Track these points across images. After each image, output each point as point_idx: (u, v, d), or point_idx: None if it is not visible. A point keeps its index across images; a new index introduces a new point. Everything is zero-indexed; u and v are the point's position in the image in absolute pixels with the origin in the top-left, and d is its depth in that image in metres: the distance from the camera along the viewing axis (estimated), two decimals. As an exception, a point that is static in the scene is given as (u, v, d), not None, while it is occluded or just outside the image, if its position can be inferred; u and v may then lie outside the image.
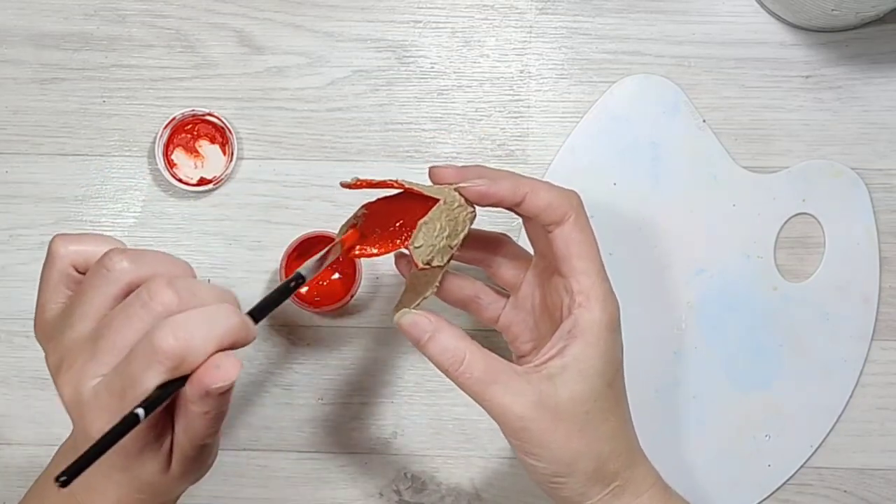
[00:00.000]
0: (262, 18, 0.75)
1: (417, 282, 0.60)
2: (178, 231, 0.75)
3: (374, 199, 0.59)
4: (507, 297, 0.63)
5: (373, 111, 0.75)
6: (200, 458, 0.53)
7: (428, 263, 0.56)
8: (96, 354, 0.49)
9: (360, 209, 0.59)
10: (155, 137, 0.73)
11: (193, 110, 0.73)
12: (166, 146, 0.74)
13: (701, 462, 0.73)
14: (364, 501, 0.74)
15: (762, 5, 0.76)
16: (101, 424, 0.48)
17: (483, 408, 0.56)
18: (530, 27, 0.76)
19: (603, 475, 0.57)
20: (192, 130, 0.74)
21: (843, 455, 0.74)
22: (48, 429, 0.74)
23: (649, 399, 0.73)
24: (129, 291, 0.50)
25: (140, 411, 0.47)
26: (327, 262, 0.56)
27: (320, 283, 0.73)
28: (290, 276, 0.54)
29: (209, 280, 0.74)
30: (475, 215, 0.58)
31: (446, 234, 0.56)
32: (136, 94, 0.75)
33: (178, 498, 0.57)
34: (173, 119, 0.73)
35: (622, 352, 0.59)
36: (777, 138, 0.75)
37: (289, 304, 0.72)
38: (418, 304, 0.58)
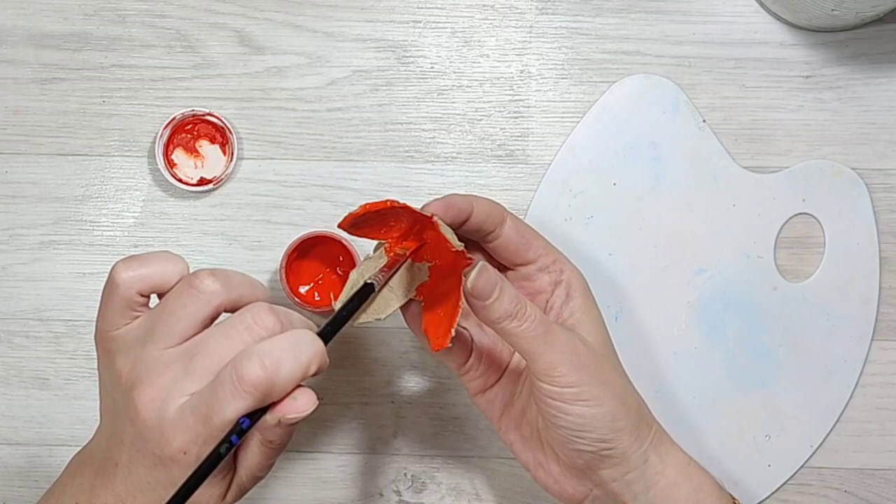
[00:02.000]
0: (262, 18, 0.75)
1: (436, 294, 0.59)
2: (178, 231, 0.75)
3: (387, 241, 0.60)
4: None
5: (373, 111, 0.75)
6: (250, 487, 0.54)
7: (462, 248, 0.56)
8: (190, 373, 0.49)
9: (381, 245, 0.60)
10: (155, 137, 0.73)
11: (193, 110, 0.73)
12: (166, 146, 0.74)
13: (701, 462, 0.73)
14: (364, 501, 0.74)
15: (762, 5, 0.76)
16: (180, 443, 0.49)
17: (538, 360, 0.56)
18: (530, 27, 0.76)
19: (645, 416, 0.59)
20: (192, 130, 0.74)
21: (843, 455, 0.74)
22: (48, 429, 0.74)
23: (649, 399, 0.73)
24: (217, 314, 0.51)
25: (234, 438, 0.48)
26: (396, 270, 0.58)
27: (318, 281, 0.73)
28: (357, 291, 0.55)
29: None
30: None
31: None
32: (136, 94, 0.75)
33: None
34: (173, 119, 0.73)
35: None
36: (777, 138, 0.75)
37: (288, 304, 0.72)
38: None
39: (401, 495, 0.74)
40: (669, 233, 0.74)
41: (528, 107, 0.75)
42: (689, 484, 0.60)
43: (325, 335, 0.53)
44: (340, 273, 0.73)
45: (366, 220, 0.58)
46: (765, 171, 0.75)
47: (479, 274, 0.55)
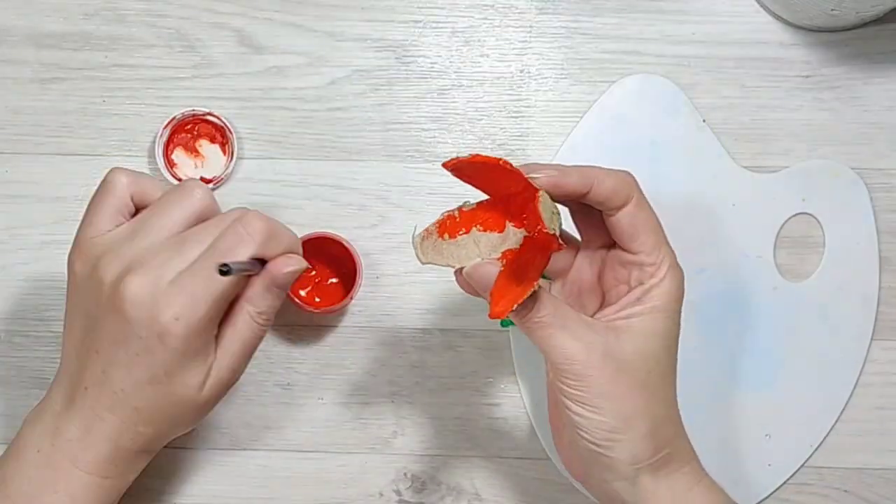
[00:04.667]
0: (262, 18, 0.75)
1: (519, 264, 0.57)
2: (178, 231, 0.74)
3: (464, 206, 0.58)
4: (551, 282, 0.64)
5: (373, 111, 0.75)
6: (226, 386, 0.59)
7: (554, 231, 0.54)
8: (181, 253, 0.54)
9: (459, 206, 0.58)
10: (155, 137, 0.73)
11: (193, 110, 0.73)
12: (166, 146, 0.74)
13: (701, 462, 0.73)
14: (364, 501, 0.74)
15: (762, 5, 0.76)
16: (174, 310, 0.53)
17: (548, 355, 0.56)
18: (530, 27, 0.76)
19: (656, 439, 0.57)
20: (192, 130, 0.74)
21: (843, 455, 0.74)
22: (48, 429, 0.74)
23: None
24: (202, 218, 0.57)
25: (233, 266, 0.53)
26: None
27: (317, 281, 0.73)
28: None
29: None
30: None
31: (556, 216, 0.55)
32: (136, 94, 0.75)
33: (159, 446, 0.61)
34: (173, 119, 0.73)
35: (680, 324, 0.59)
36: (777, 138, 0.75)
37: (288, 305, 0.72)
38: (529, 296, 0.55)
39: (401, 495, 0.74)
40: (669, 233, 0.74)
41: (528, 107, 0.75)
42: None
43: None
44: (341, 272, 0.73)
45: (473, 169, 0.56)
46: (765, 171, 0.75)
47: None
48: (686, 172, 0.74)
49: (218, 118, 0.73)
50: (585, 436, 0.57)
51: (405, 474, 0.74)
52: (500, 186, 0.57)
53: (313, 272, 0.73)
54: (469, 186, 0.57)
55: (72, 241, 0.74)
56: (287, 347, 0.74)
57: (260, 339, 0.59)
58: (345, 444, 0.74)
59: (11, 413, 0.74)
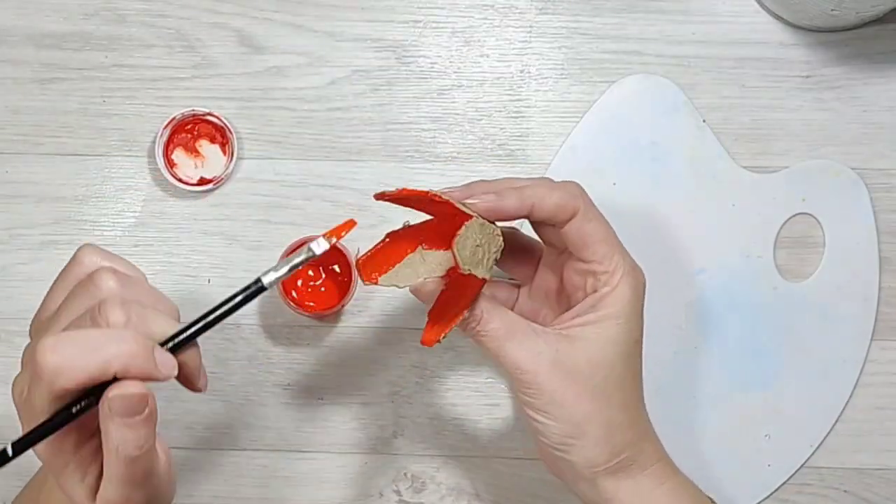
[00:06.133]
0: (262, 18, 0.75)
1: (457, 286, 0.58)
2: (178, 231, 0.75)
3: (398, 228, 0.58)
4: (520, 287, 0.64)
5: (373, 111, 0.75)
6: (139, 478, 0.49)
7: (469, 272, 0.55)
8: (59, 319, 0.50)
9: (384, 238, 0.58)
10: (155, 137, 0.73)
11: (193, 110, 0.73)
12: (166, 146, 0.74)
13: (701, 462, 0.73)
14: (364, 501, 0.74)
15: (762, 5, 0.76)
16: (25, 427, 0.49)
17: (500, 364, 0.57)
18: (530, 27, 0.76)
19: (612, 444, 0.58)
20: (192, 130, 0.74)
21: (843, 455, 0.74)
22: (48, 429, 0.74)
23: (649, 399, 0.73)
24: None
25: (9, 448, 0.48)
26: (297, 266, 0.52)
27: (311, 286, 0.73)
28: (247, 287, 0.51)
29: (209, 280, 0.74)
30: (500, 233, 0.57)
31: (483, 247, 0.56)
32: (136, 94, 0.75)
33: None
34: (173, 119, 0.73)
35: (642, 328, 0.60)
36: (777, 138, 0.75)
37: (283, 307, 0.72)
38: (447, 333, 0.57)
39: (401, 495, 0.74)
40: (669, 233, 0.74)
41: (528, 107, 0.75)
42: None
43: (178, 334, 0.49)
44: (337, 270, 0.72)
45: (406, 199, 0.57)
46: (765, 171, 0.75)
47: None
48: (686, 172, 0.74)
49: (218, 118, 0.73)
50: (543, 440, 0.58)
51: (405, 474, 0.74)
52: (437, 211, 0.58)
53: (309, 272, 0.73)
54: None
55: (72, 241, 0.74)
56: (287, 347, 0.74)
57: (148, 424, 0.48)
58: (345, 444, 0.74)
59: (11, 413, 0.74)
